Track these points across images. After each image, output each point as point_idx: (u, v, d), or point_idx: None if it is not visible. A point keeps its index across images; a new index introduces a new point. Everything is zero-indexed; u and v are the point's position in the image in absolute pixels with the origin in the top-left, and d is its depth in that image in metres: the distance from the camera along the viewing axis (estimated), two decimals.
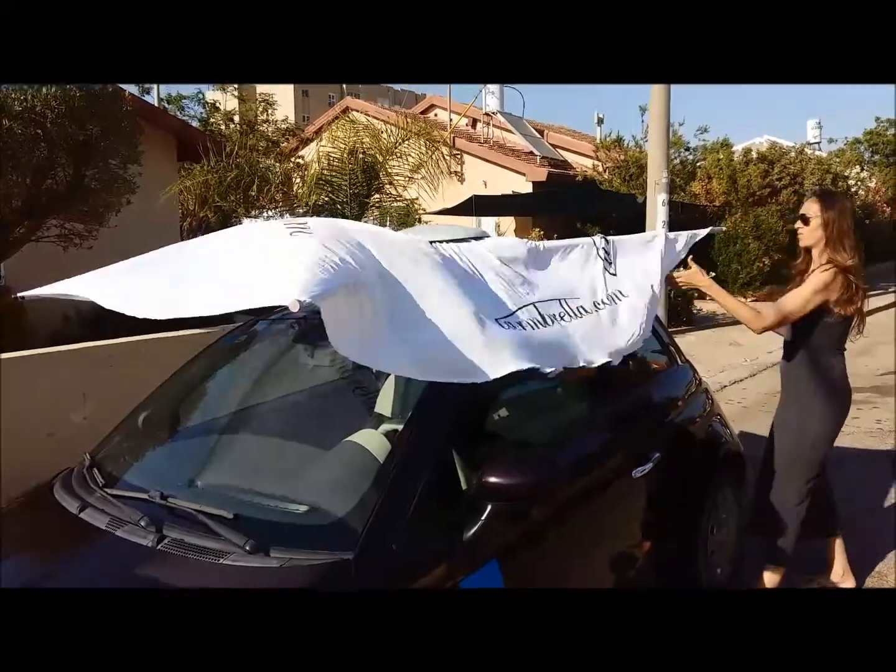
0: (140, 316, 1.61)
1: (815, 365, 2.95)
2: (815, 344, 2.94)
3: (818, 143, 22.00)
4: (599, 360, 2.28)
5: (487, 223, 14.97)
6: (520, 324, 2.09)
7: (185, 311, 1.58)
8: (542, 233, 13.31)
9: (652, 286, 2.76)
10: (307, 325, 2.62)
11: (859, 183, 18.29)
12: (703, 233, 3.20)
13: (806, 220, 2.88)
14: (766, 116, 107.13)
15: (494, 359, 1.82)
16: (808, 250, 2.94)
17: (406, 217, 12.43)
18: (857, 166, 18.97)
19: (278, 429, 2.43)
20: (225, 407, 2.54)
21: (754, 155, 14.40)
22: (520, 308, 2.17)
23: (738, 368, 7.96)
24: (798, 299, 2.85)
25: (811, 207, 2.89)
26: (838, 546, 3.17)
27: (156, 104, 15.36)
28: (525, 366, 1.86)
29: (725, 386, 7.28)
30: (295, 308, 1.39)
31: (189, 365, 2.63)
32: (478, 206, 11.86)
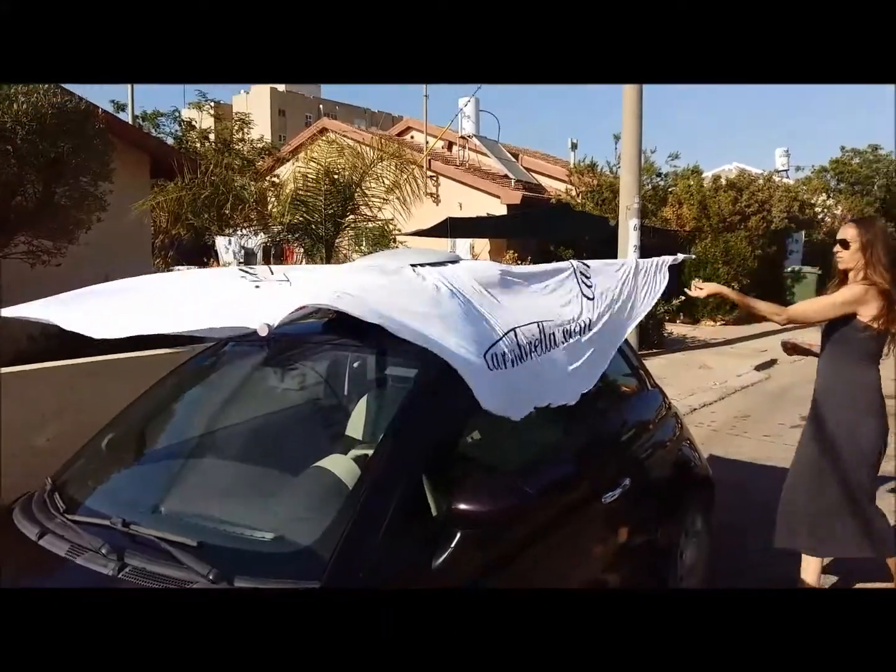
0: (100, 336, 1.60)
1: (851, 376, 3.10)
2: (849, 357, 3.09)
3: (786, 170, 22.54)
4: (559, 402, 2.32)
5: (462, 245, 15.06)
6: (503, 356, 2.10)
7: (150, 328, 1.57)
8: (515, 255, 13.42)
9: (622, 314, 2.80)
10: (277, 347, 2.61)
11: (825, 210, 18.73)
12: (671, 259, 3.25)
13: (846, 245, 3.07)
14: (736, 144, 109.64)
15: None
16: (845, 273, 3.13)
17: (381, 238, 12.46)
18: (824, 194, 19.45)
19: (246, 453, 2.40)
20: (192, 430, 2.50)
21: (724, 182, 14.70)
22: (504, 335, 2.18)
23: (707, 392, 8.05)
24: (825, 303, 3.10)
25: (849, 232, 3.09)
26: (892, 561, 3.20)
27: (130, 122, 15.26)
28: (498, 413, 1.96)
29: (695, 409, 7.35)
30: (263, 332, 1.38)
31: (156, 387, 2.59)
32: (453, 227, 11.93)
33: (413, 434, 1.86)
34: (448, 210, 13.73)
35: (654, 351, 10.32)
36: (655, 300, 3.06)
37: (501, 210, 14.70)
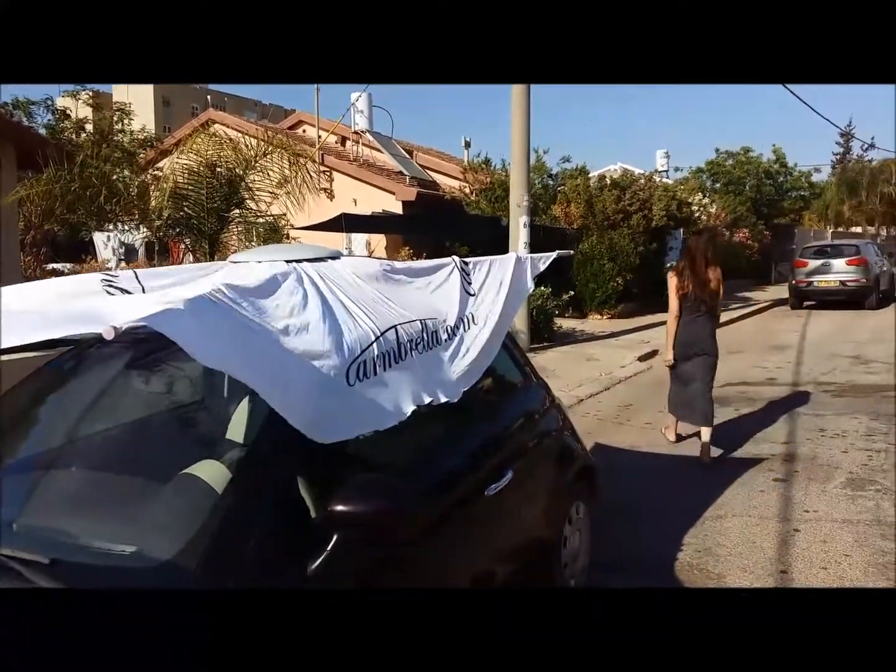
0: None
1: (703, 326, 5.54)
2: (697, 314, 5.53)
3: (666, 171, 23.69)
4: (441, 399, 2.32)
5: (359, 241, 14.93)
6: (374, 360, 2.06)
7: None
8: (411, 251, 13.44)
9: (502, 309, 2.83)
10: (149, 348, 2.47)
11: (702, 209, 19.83)
12: (553, 256, 3.34)
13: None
14: (622, 145, 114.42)
15: (336, 421, 1.90)
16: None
17: (273, 233, 12.15)
18: (700, 193, 20.59)
19: (110, 462, 2.26)
20: (49, 440, 2.33)
21: (608, 181, 15.28)
22: (382, 334, 2.15)
23: (594, 383, 8.35)
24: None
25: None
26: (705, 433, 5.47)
27: None
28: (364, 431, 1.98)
29: (582, 399, 7.60)
30: (109, 335, 1.30)
31: (9, 394, 2.40)
32: (347, 223, 11.81)
33: (285, 434, 1.80)
34: (342, 206, 13.56)
35: (545, 344, 10.60)
36: (528, 294, 3.14)
37: (396, 206, 14.68)
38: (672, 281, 5.48)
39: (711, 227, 14.05)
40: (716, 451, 5.52)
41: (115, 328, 1.30)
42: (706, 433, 5.39)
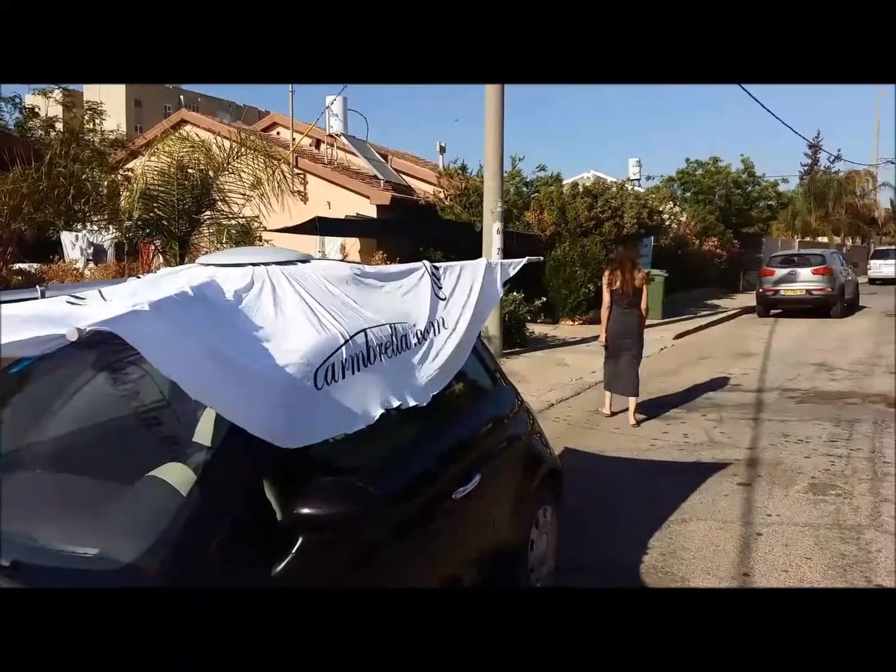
0: None
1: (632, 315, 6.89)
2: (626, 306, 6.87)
3: (638, 179, 23.97)
4: (410, 403, 2.34)
5: (332, 246, 14.88)
6: (343, 363, 2.07)
7: None
8: (385, 256, 13.43)
9: (472, 314, 2.85)
10: (115, 350, 2.45)
11: (672, 217, 20.11)
12: (523, 262, 3.37)
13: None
14: (595, 154, 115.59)
15: (302, 425, 1.89)
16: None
17: (245, 236, 12.06)
18: (671, 202, 20.87)
19: (73, 465, 2.23)
20: (12, 442, 2.30)
21: (581, 189, 15.43)
22: (351, 338, 2.16)
23: (565, 387, 8.42)
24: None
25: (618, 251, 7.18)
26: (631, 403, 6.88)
27: None
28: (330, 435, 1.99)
29: (553, 404, 7.66)
30: (73, 337, 1.29)
31: None
32: (322, 226, 11.77)
33: (251, 437, 1.80)
34: (316, 209, 13.51)
35: (517, 350, 10.67)
36: (498, 299, 3.17)
37: (371, 210, 14.67)
38: (606, 280, 6.91)
39: (634, 234, 14.74)
40: (640, 416, 6.93)
41: (79, 330, 1.29)
42: (633, 402, 6.86)
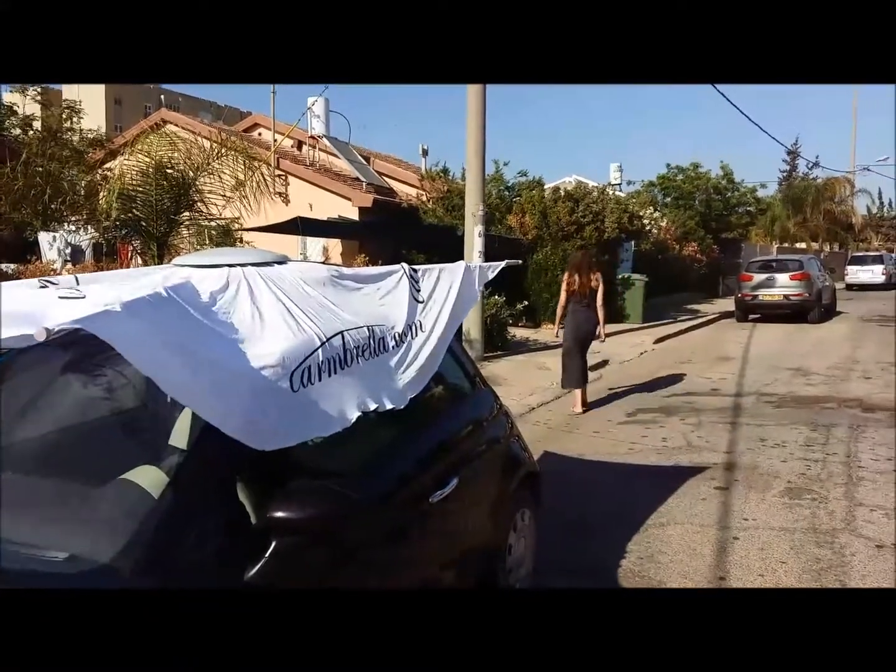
0: None
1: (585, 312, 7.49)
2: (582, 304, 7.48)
3: (619, 184, 24.14)
4: (387, 406, 2.33)
5: (314, 248, 14.82)
6: (319, 366, 2.06)
7: None
8: (367, 258, 13.39)
9: (450, 316, 2.85)
10: (89, 351, 2.42)
11: (653, 222, 20.26)
12: (501, 265, 3.38)
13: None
14: (577, 158, 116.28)
15: (278, 427, 1.88)
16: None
17: (226, 237, 11.97)
18: (651, 207, 21.03)
19: (45, 468, 2.20)
20: None
21: (562, 193, 15.50)
22: (327, 340, 2.15)
23: (545, 391, 8.44)
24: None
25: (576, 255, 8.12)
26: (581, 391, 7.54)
27: None
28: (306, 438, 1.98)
29: (534, 408, 7.68)
30: (41, 337, 1.27)
31: None
32: (303, 227, 11.72)
33: (225, 439, 1.78)
34: (298, 210, 13.44)
35: (499, 353, 10.68)
36: (476, 302, 3.18)
37: (353, 212, 14.63)
38: (564, 282, 7.55)
39: (615, 239, 15.30)
40: (581, 409, 7.53)
41: (47, 329, 1.27)
42: (579, 392, 7.53)
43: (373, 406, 2.29)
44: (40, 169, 8.57)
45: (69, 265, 13.81)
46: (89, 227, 9.52)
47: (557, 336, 7.84)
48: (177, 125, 14.75)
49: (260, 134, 17.96)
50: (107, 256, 12.55)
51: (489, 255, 9.48)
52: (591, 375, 9.72)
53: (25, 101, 18.77)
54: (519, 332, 12.17)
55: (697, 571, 3.79)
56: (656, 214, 21.18)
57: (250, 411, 1.81)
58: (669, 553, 4.01)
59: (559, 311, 7.70)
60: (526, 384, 8.64)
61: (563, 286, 7.55)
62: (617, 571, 3.79)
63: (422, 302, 2.82)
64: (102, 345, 2.42)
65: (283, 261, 2.59)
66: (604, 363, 10.38)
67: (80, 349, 2.38)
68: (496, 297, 11.09)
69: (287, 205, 14.76)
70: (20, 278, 10.28)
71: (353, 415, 2.16)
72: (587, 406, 7.54)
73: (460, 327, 3.37)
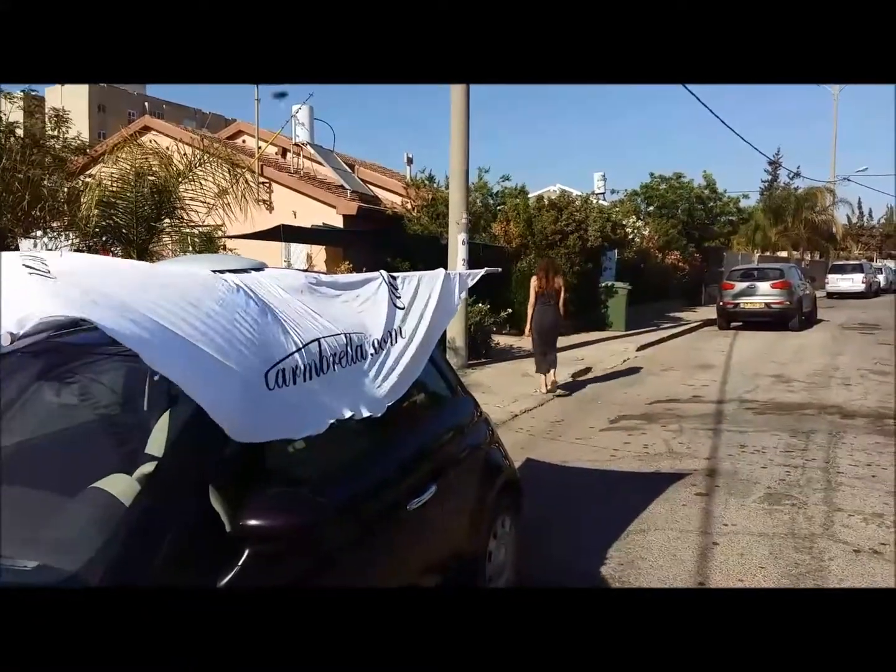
0: None
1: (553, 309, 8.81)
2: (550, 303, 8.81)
3: (603, 193, 24.27)
4: (364, 413, 2.33)
5: (297, 255, 14.78)
6: (294, 370, 2.05)
7: None
8: (351, 266, 13.37)
9: (429, 324, 2.85)
10: (62, 358, 2.40)
11: (636, 231, 20.39)
12: (481, 273, 3.39)
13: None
14: (561, 166, 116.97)
15: (254, 422, 1.88)
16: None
17: (209, 244, 11.92)
18: (634, 216, 21.18)
19: (15, 477, 2.16)
20: None
21: (546, 201, 15.57)
22: (304, 346, 2.14)
23: (528, 398, 8.46)
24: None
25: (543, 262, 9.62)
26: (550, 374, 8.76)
27: None
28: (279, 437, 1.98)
29: (517, 415, 7.69)
30: (6, 341, 1.26)
31: None
32: (286, 234, 11.70)
33: (197, 447, 1.77)
34: (282, 218, 13.41)
35: (483, 361, 10.70)
36: (456, 310, 3.18)
37: (337, 220, 14.61)
38: (534, 284, 8.79)
39: (598, 247, 15.78)
40: (545, 389, 8.72)
41: (11, 335, 1.26)
42: (552, 374, 8.75)
43: (348, 414, 2.28)
44: (20, 175, 8.49)
45: None
46: (69, 233, 9.43)
47: (528, 334, 8.91)
48: (160, 132, 14.69)
49: (244, 141, 17.90)
50: None
51: (474, 263, 9.50)
52: (574, 383, 9.87)
53: (10, 109, 18.60)
54: (503, 340, 12.20)
55: (677, 577, 3.80)
56: (639, 223, 21.33)
57: (231, 402, 1.80)
58: (650, 559, 4.02)
59: (529, 310, 8.80)
60: (509, 391, 8.65)
61: (532, 288, 8.78)
62: (597, 578, 3.79)
63: (402, 308, 2.82)
64: (78, 353, 2.41)
65: (260, 268, 2.58)
66: (587, 370, 10.42)
67: (54, 357, 2.36)
68: (480, 304, 11.11)
69: (271, 212, 14.72)
70: None
71: (327, 421, 2.15)
72: (554, 388, 8.79)
73: (443, 335, 3.37)
